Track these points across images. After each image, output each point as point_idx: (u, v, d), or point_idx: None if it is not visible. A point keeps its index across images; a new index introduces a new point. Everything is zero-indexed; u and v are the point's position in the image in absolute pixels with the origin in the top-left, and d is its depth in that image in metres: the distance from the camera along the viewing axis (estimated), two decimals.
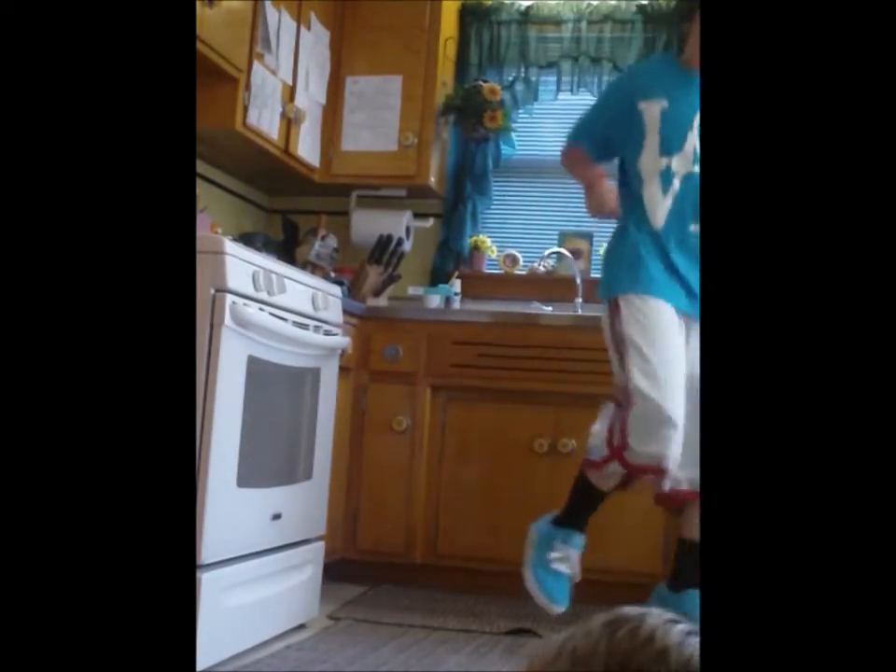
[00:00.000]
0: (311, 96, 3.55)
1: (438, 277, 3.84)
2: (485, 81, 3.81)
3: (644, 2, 3.84)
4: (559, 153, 2.81)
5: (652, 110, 2.56)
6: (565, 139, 2.78)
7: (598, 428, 2.52)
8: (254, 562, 2.35)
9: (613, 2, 3.88)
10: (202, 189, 3.40)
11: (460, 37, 3.96)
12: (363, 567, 3.25)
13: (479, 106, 3.74)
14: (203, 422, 2.11)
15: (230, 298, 2.17)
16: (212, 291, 2.15)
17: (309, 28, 3.50)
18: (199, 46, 2.75)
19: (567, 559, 2.50)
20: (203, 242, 2.11)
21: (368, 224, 3.77)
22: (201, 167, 3.48)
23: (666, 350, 2.43)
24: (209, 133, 3.07)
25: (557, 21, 3.91)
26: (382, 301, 3.61)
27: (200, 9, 2.70)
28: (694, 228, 2.51)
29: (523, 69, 3.92)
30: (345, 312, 2.94)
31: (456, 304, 3.66)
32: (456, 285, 3.73)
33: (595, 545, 2.62)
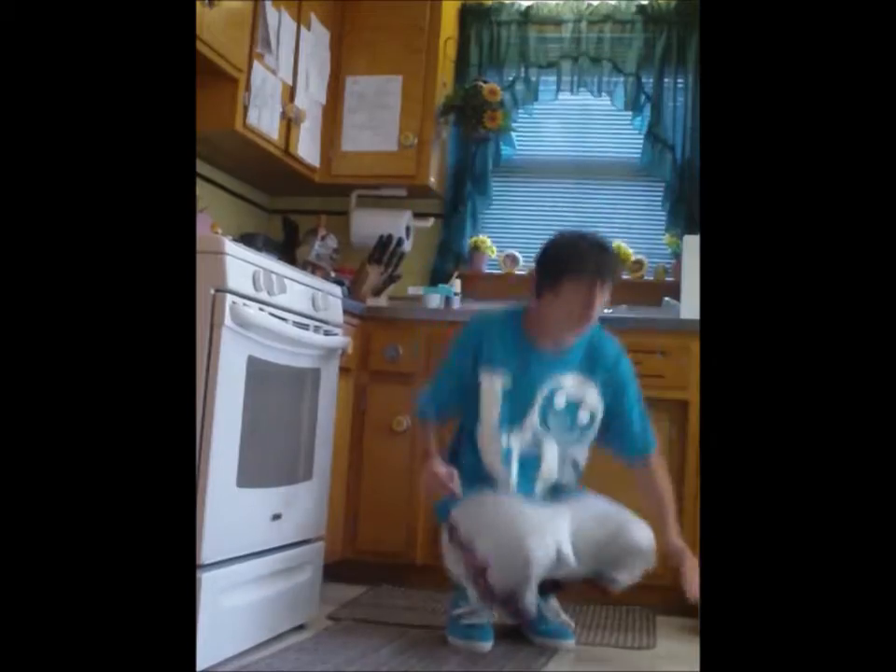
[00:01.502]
0: (311, 96, 3.55)
1: (438, 277, 3.84)
2: (485, 81, 3.81)
3: (644, 2, 3.85)
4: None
5: (493, 384, 2.45)
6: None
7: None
8: (254, 562, 2.34)
9: (613, 2, 3.88)
10: (202, 189, 3.40)
11: (460, 37, 3.96)
12: (363, 568, 3.25)
13: (479, 107, 3.74)
14: (203, 422, 2.11)
15: (230, 298, 2.17)
16: (212, 291, 2.14)
17: (309, 28, 3.50)
18: (199, 46, 2.75)
19: (474, 612, 2.53)
20: (203, 242, 2.11)
21: (368, 224, 3.77)
22: (201, 167, 3.48)
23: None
24: (209, 133, 3.07)
25: (557, 22, 3.91)
26: (382, 301, 3.61)
27: (200, 9, 2.71)
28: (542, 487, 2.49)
29: (523, 69, 3.92)
30: (345, 312, 2.93)
31: (456, 304, 3.66)
32: (456, 285, 3.73)
33: None
